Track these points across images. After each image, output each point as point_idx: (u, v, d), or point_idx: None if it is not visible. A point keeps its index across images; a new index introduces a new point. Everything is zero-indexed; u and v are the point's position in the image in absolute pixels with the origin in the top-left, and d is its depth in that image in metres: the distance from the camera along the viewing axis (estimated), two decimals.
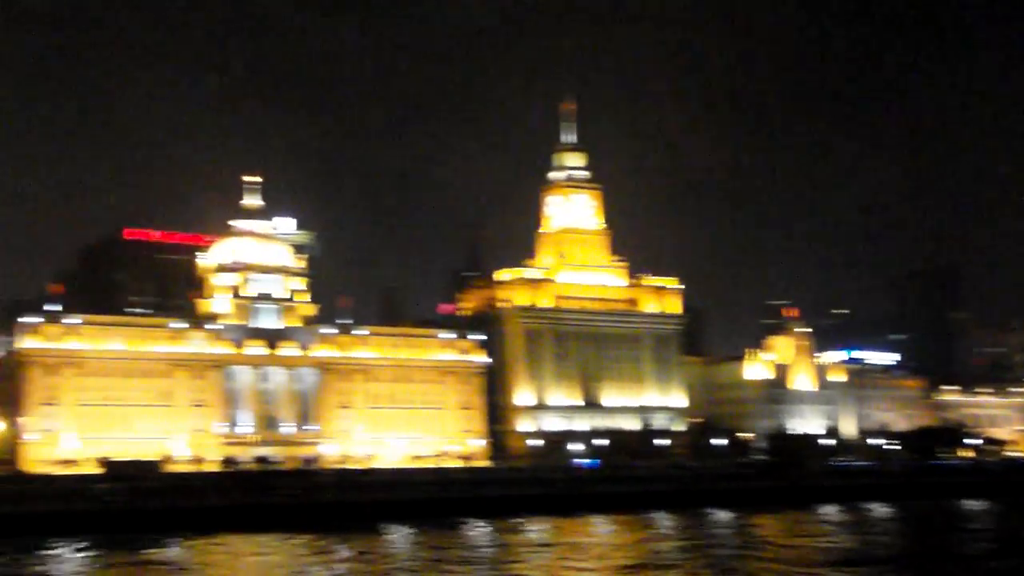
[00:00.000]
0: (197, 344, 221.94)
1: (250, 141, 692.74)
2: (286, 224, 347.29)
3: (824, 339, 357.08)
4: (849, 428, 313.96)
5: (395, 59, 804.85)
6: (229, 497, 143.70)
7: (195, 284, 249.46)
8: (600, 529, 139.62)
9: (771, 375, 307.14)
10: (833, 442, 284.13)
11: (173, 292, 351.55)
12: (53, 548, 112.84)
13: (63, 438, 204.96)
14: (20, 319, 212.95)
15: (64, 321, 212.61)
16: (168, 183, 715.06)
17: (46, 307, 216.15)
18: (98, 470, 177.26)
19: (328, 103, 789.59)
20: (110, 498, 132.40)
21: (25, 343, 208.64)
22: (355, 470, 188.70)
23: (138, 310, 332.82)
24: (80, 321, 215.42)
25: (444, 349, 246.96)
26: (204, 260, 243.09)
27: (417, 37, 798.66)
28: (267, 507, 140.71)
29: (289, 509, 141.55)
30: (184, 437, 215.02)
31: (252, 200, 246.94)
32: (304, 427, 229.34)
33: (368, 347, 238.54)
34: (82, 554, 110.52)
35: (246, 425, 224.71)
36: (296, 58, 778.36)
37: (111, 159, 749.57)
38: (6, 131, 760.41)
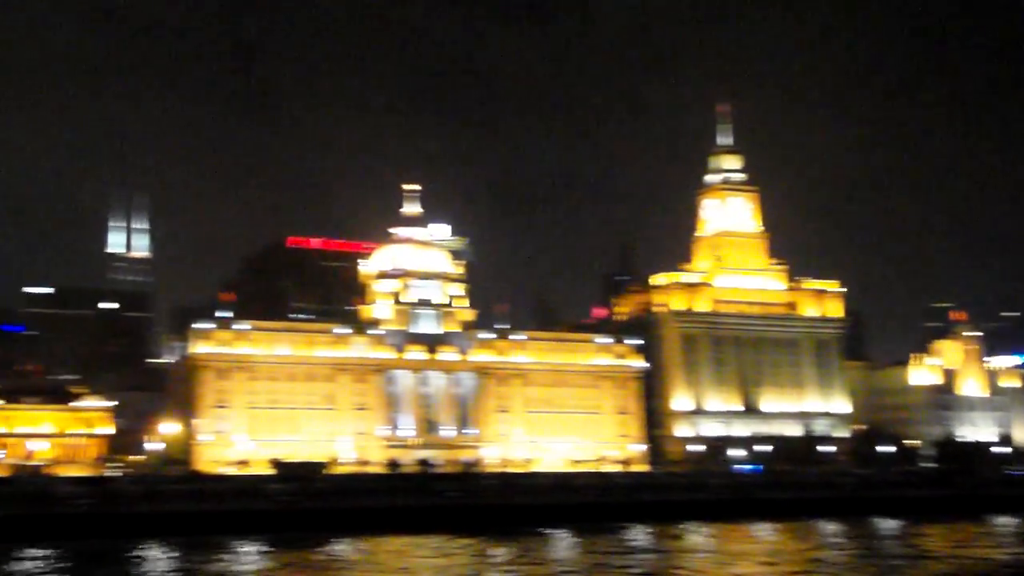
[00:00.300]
0: (359, 349, 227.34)
1: (407, 147, 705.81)
2: (440, 230, 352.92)
3: (994, 343, 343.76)
4: (1023, 436, 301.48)
5: (549, 64, 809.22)
6: (394, 498, 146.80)
7: (356, 290, 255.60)
8: (763, 536, 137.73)
9: (939, 380, 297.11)
10: (1007, 450, 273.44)
11: (334, 298, 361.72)
12: (230, 545, 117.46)
13: (235, 439, 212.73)
14: (194, 325, 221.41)
15: (235, 327, 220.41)
16: (328, 192, 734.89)
17: (218, 314, 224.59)
18: (268, 471, 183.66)
19: (481, 108, 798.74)
20: (283, 498, 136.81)
21: (199, 348, 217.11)
22: (516, 473, 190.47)
23: (300, 316, 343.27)
24: (249, 327, 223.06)
25: (601, 354, 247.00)
26: (366, 267, 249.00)
27: (571, 42, 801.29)
28: (430, 509, 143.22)
29: (452, 511, 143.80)
30: (348, 439, 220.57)
31: (411, 208, 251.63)
32: (463, 431, 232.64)
33: (525, 352, 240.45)
34: (258, 551, 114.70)
35: (407, 428, 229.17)
36: (452, 65, 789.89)
37: (274, 169, 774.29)
38: (175, 144, 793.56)
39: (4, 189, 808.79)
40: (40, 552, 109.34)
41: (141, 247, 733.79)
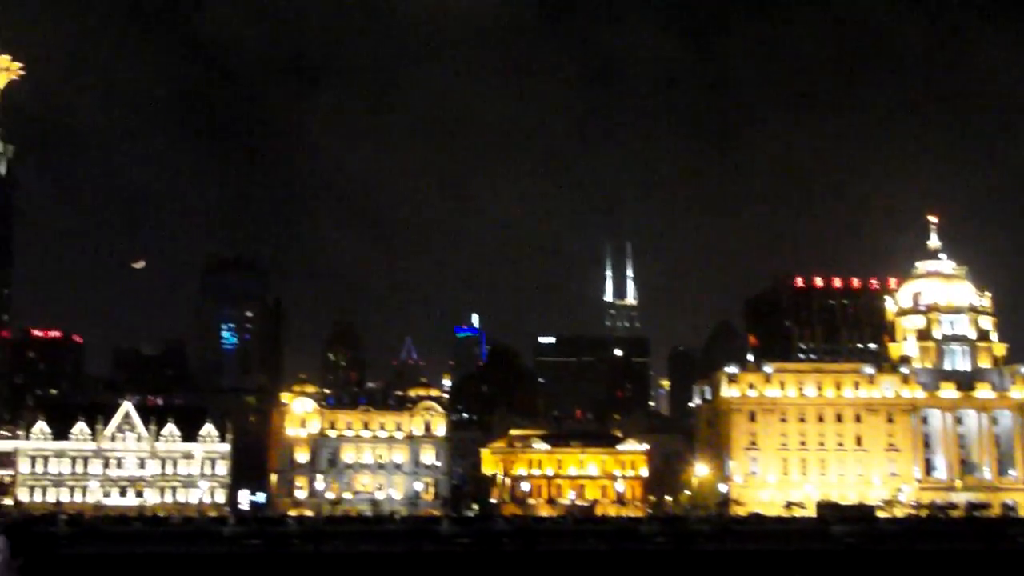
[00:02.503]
0: (888, 388, 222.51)
1: (897, 179, 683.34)
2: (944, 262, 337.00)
3: None
4: None
5: None
6: (954, 543, 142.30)
7: (865, 327, 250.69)
8: None
9: None
10: None
11: (841, 337, 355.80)
12: None
13: (768, 481, 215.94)
14: (725, 368, 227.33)
15: (764, 370, 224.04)
16: (825, 230, 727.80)
17: (749, 357, 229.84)
18: (805, 513, 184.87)
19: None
20: (848, 539, 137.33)
21: (727, 391, 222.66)
22: None
23: (800, 356, 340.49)
24: (772, 370, 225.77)
25: None
26: (889, 303, 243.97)
27: None
28: (999, 554, 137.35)
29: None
30: (880, 481, 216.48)
31: (932, 240, 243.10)
32: (1004, 472, 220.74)
33: None
34: None
35: (942, 469, 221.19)
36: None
37: (765, 211, 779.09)
38: (658, 191, 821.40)
39: (507, 247, 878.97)
40: None
41: (631, 293, 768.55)
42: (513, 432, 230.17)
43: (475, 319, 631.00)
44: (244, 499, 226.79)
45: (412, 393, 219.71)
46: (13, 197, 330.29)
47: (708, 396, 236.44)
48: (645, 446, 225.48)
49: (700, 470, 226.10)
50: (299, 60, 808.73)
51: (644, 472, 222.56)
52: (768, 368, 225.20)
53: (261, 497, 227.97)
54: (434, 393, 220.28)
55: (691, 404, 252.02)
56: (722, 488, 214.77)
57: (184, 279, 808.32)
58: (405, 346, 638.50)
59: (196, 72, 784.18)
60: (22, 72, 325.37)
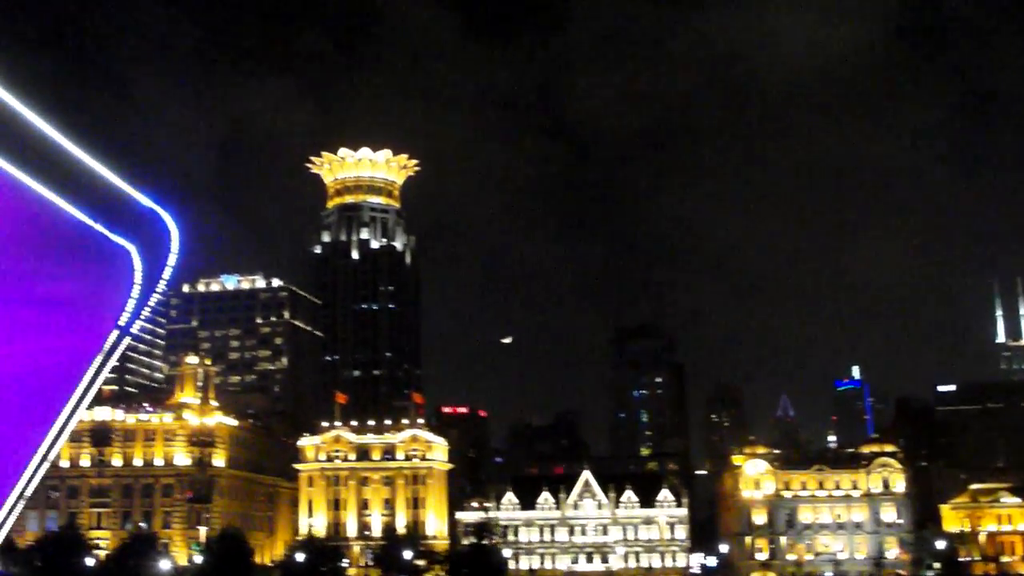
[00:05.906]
0: None
1: None
2: None
3: None
4: None
5: None
6: None
7: None
8: None
9: None
10: None
11: None
12: None
13: None
14: None
15: None
16: None
17: None
18: None
19: None
20: None
21: None
22: None
23: None
24: None
25: None
26: None
27: None
28: None
29: None
30: None
31: None
32: None
33: None
34: None
35: None
36: None
37: None
38: None
39: (886, 294, 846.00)
40: None
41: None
42: (974, 486, 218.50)
43: (855, 371, 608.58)
44: (695, 563, 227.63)
45: (866, 450, 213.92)
46: (418, 285, 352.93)
47: None
48: None
49: None
50: (658, 131, 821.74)
51: None
52: None
53: (712, 561, 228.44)
54: (888, 448, 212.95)
55: None
56: None
57: (575, 352, 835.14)
58: (781, 403, 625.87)
59: (565, 154, 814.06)
60: (417, 168, 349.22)
